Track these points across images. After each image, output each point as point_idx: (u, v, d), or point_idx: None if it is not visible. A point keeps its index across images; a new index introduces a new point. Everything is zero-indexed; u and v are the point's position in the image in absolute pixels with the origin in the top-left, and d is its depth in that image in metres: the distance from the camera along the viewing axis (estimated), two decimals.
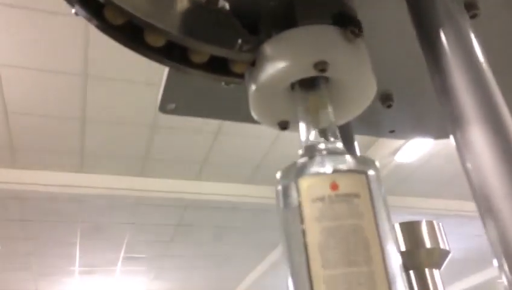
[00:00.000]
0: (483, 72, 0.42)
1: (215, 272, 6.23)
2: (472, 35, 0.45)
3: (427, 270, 0.93)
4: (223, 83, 0.51)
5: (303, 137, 0.46)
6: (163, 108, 0.61)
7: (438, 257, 0.94)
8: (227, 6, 0.49)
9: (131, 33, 0.47)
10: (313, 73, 0.46)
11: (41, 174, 3.77)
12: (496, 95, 0.40)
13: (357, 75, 0.48)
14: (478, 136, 0.39)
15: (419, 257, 0.93)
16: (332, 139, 0.45)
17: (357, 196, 0.38)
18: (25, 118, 3.30)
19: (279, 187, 0.42)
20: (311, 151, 0.44)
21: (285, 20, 0.47)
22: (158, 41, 0.47)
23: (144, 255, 5.52)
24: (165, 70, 0.60)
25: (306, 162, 0.42)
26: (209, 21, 0.48)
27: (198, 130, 3.44)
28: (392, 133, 0.72)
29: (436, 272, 0.94)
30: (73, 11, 0.47)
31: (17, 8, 2.58)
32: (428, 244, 0.94)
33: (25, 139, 3.49)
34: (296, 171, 0.41)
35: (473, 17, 0.52)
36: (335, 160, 0.42)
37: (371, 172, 0.40)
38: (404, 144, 3.57)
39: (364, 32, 0.50)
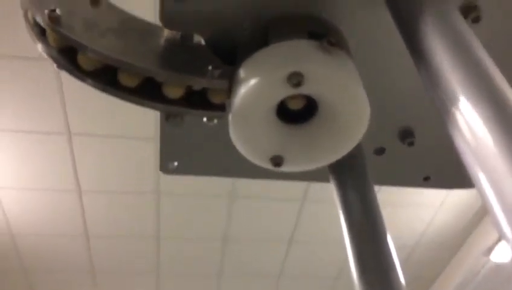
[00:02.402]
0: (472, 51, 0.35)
1: None
2: (464, 30, 0.40)
3: None
4: (204, 119, 0.48)
5: None
6: (164, 168, 0.58)
7: None
8: (203, 41, 0.48)
9: (105, 78, 0.47)
10: (288, 90, 0.42)
11: None
12: (487, 70, 0.33)
13: (340, 90, 0.43)
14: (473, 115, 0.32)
15: None
16: None
17: None
18: (105, 240, 3.43)
19: None
20: None
21: (259, 43, 0.45)
22: (132, 81, 0.46)
23: None
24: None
25: None
26: (184, 56, 0.46)
27: (270, 241, 3.35)
28: (427, 181, 0.63)
29: None
30: (55, 66, 0.48)
31: (94, 137, 2.81)
32: None
33: (104, 262, 3.58)
34: None
35: (475, 21, 0.47)
36: None
37: None
38: (498, 241, 3.21)
39: (375, 59, 0.46)
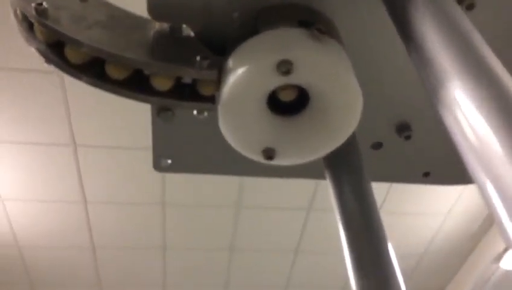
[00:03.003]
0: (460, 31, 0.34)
1: None
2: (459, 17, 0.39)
3: None
4: (194, 112, 0.47)
5: None
6: (157, 165, 0.57)
7: None
8: (192, 33, 0.47)
9: (94, 72, 0.46)
10: (278, 78, 0.41)
11: None
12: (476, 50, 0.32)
13: (331, 78, 0.42)
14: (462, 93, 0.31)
15: None
16: None
17: None
18: (111, 251, 3.41)
19: None
20: None
21: (249, 33, 0.44)
22: (120, 74, 0.45)
23: None
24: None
25: None
26: (172, 47, 0.46)
27: (276, 251, 3.32)
28: (427, 177, 0.61)
29: None
30: (44, 62, 0.48)
31: (100, 148, 2.81)
32: None
33: (111, 273, 3.56)
34: None
35: (469, 8, 0.46)
36: None
37: None
38: (507, 248, 3.15)
39: (368, 52, 0.46)
